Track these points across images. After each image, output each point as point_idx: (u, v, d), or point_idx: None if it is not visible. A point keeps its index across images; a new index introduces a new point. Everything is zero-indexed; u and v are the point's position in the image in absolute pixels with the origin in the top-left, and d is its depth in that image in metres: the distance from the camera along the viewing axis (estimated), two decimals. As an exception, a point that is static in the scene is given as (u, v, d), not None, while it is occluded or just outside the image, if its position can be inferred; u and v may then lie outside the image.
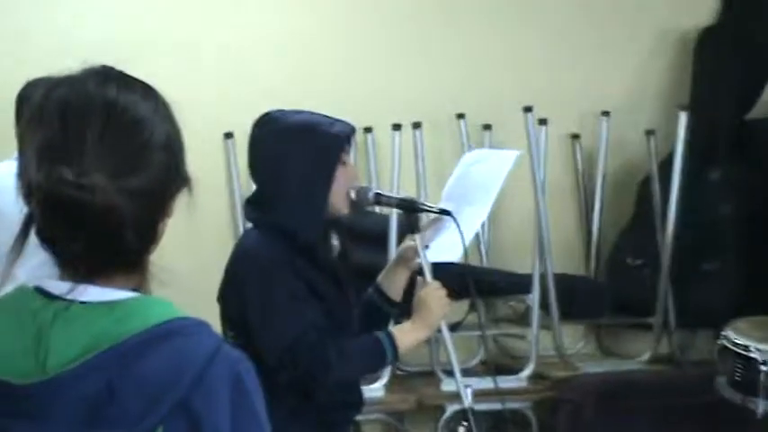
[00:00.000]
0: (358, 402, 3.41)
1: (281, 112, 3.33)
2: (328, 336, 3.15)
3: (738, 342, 4.53)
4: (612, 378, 5.59)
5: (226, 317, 3.26)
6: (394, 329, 3.33)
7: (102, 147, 1.61)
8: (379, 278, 3.42)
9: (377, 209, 4.78)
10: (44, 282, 1.69)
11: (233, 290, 3.22)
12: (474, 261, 5.17)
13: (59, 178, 1.58)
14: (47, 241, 1.65)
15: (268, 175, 3.27)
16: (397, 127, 5.27)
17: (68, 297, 1.64)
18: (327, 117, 3.34)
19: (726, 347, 4.55)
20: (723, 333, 4.63)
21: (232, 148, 5.31)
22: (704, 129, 5.81)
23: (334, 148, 3.25)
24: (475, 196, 3.60)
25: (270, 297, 3.18)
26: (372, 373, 4.48)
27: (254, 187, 3.46)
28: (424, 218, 3.52)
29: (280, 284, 3.17)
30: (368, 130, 5.50)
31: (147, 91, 1.70)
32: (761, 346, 4.53)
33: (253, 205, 3.31)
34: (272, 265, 3.19)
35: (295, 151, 3.22)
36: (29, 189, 1.63)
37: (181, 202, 1.73)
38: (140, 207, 1.64)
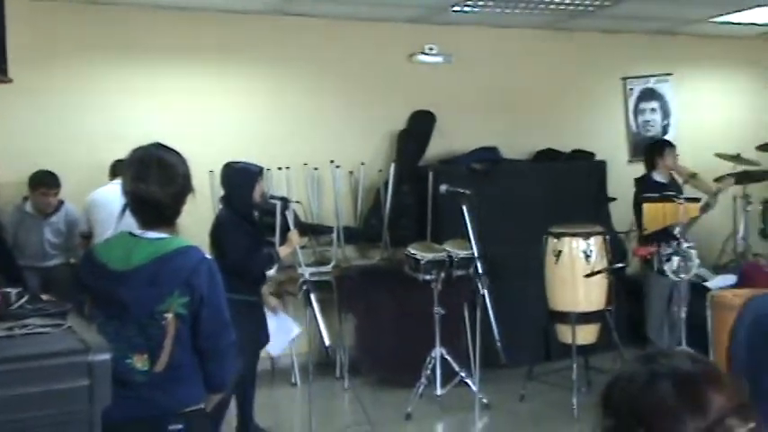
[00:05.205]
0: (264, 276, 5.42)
1: (234, 161, 5.23)
2: (257, 254, 5.07)
3: (413, 252, 6.45)
4: (366, 266, 7.40)
5: (212, 244, 5.04)
6: (277, 249, 5.50)
7: (157, 175, 2.48)
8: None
9: (273, 201, 6.06)
10: (131, 229, 2.57)
11: (217, 233, 5.14)
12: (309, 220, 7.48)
13: (139, 188, 2.47)
14: (133, 214, 2.49)
15: (229, 188, 5.27)
16: (301, 166, 7.17)
17: (141, 236, 2.47)
18: (253, 164, 5.22)
19: (408, 254, 6.52)
20: (407, 250, 6.48)
21: (212, 179, 6.60)
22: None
23: (254, 176, 5.18)
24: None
25: (234, 236, 5.09)
26: (270, 268, 5.84)
27: (222, 192, 5.43)
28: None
29: (238, 232, 5.14)
30: (280, 168, 7.43)
31: (175, 151, 2.59)
32: (422, 255, 6.39)
33: (223, 200, 5.30)
34: (234, 222, 5.13)
35: (239, 177, 5.22)
36: (126, 193, 2.49)
37: (190, 199, 2.64)
38: (173, 200, 2.53)
